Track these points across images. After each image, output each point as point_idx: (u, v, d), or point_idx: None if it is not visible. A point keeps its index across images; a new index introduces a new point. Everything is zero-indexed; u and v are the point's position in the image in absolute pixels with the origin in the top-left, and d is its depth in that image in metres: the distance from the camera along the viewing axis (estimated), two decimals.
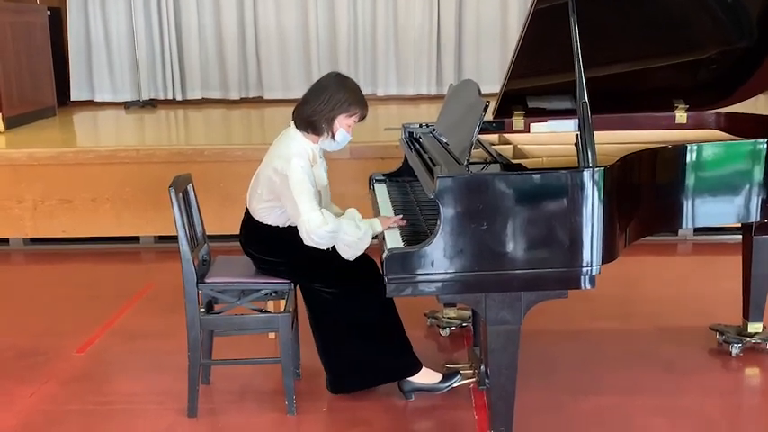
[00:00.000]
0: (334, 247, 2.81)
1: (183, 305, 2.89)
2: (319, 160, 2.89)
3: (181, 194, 2.95)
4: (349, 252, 2.73)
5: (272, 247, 2.89)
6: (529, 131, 3.44)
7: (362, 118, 2.85)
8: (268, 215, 2.86)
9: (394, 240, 2.61)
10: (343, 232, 2.70)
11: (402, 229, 2.75)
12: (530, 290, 2.39)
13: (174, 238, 2.91)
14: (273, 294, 3.00)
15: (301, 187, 2.71)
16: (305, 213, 2.69)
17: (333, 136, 2.82)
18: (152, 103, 7.46)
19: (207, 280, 2.94)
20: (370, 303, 2.87)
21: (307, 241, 2.72)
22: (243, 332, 3.08)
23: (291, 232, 2.85)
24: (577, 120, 2.45)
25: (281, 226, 2.86)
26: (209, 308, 3.03)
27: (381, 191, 3.34)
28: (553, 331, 3.59)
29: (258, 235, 2.90)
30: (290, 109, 2.93)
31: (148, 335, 3.70)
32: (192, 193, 3.10)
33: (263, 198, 2.84)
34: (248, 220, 2.94)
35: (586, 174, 2.36)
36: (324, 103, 2.77)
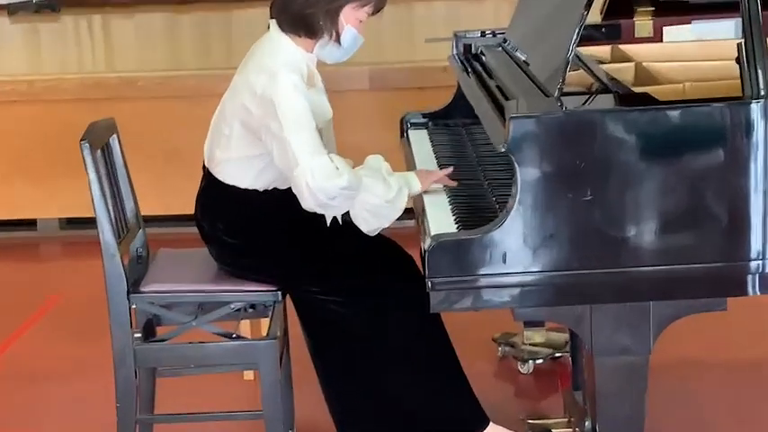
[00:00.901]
0: (346, 225, 2.82)
1: (106, 327, 2.90)
2: (317, 79, 2.90)
3: (100, 152, 2.95)
4: (371, 223, 2.76)
5: (248, 227, 2.90)
6: (661, 40, 3.43)
7: (379, 9, 2.87)
8: (241, 171, 2.87)
9: (441, 220, 2.60)
10: (365, 190, 2.73)
11: (454, 198, 2.75)
12: (664, 298, 2.38)
13: (90, 222, 2.92)
14: (250, 310, 3.01)
15: (298, 118, 2.72)
16: (305, 159, 2.70)
17: (337, 37, 2.84)
18: (51, 6, 7.48)
19: (144, 288, 2.95)
20: (403, 321, 2.88)
21: (308, 204, 2.74)
22: (203, 370, 3.09)
23: (277, 199, 2.85)
24: (740, 19, 2.40)
25: (260, 189, 2.87)
26: (149, 332, 3.05)
27: (420, 140, 3.34)
28: (697, 362, 3.57)
29: (224, 207, 2.92)
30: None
31: (54, 374, 3.72)
32: (119, 149, 3.11)
33: (231, 142, 2.85)
34: (209, 186, 2.95)
35: (756, 108, 2.33)
36: None
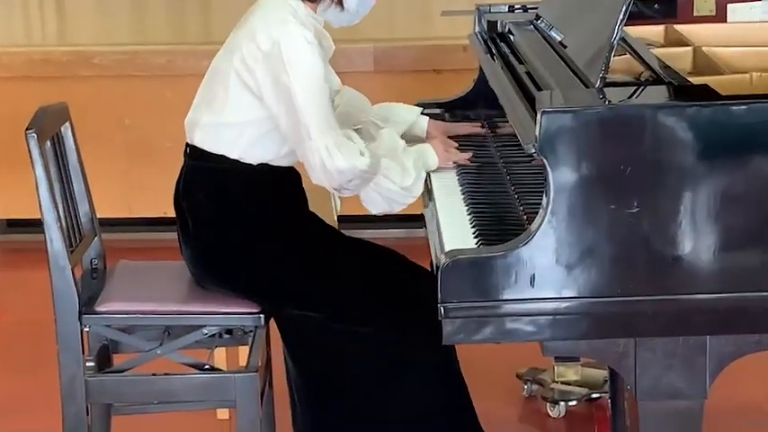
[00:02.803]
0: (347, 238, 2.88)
1: (52, 354, 2.92)
2: (330, 46, 2.97)
3: (49, 144, 2.97)
4: (380, 205, 2.91)
5: (234, 208, 2.92)
6: (725, 20, 3.44)
7: None
8: (231, 137, 2.90)
9: (458, 233, 2.61)
10: (383, 174, 2.85)
11: (474, 207, 2.76)
12: (724, 332, 2.37)
13: (36, 225, 2.93)
14: (226, 336, 3.03)
15: (312, 81, 2.78)
16: (318, 135, 2.76)
17: (339, 0, 2.90)
18: None
19: (99, 307, 2.96)
20: (413, 353, 2.91)
21: (321, 183, 2.82)
22: (168, 407, 3.10)
23: (272, 179, 2.90)
24: None
25: (253, 163, 2.89)
26: (104, 361, 3.06)
27: None
28: (761, 409, 3.60)
29: (209, 181, 2.94)
30: None
31: None
32: (72, 141, 3.12)
33: (227, 105, 2.89)
34: (192, 161, 2.98)
35: None
36: None
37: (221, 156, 2.91)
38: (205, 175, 2.95)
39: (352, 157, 2.77)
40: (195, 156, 2.96)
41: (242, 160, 2.90)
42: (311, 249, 2.93)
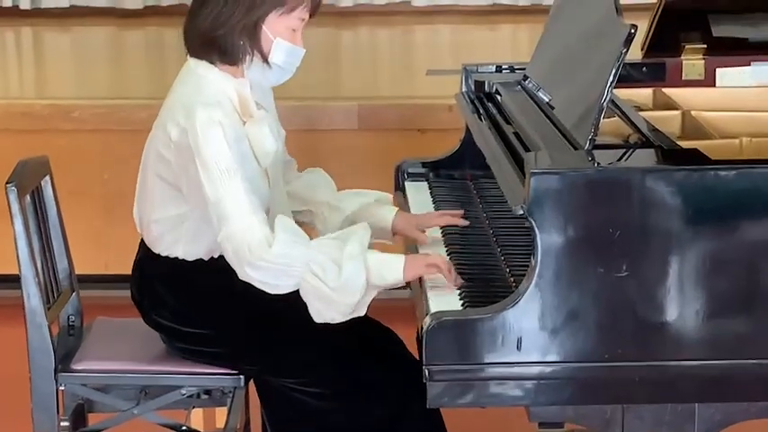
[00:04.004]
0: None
1: (26, 413, 2.92)
2: (255, 108, 2.88)
3: (29, 198, 2.98)
4: (323, 313, 2.72)
5: (201, 311, 2.91)
6: (714, 84, 3.45)
7: (316, 9, 2.85)
8: (172, 236, 2.89)
9: (443, 295, 2.62)
10: (311, 271, 2.68)
11: (460, 269, 2.76)
12: (713, 400, 2.39)
13: (13, 281, 2.94)
14: (204, 396, 3.01)
15: (221, 165, 2.70)
16: (233, 219, 2.69)
17: (264, 57, 2.83)
18: None
19: (75, 365, 2.96)
20: (395, 418, 2.89)
21: (241, 274, 2.73)
22: None
23: (228, 270, 2.83)
24: None
25: (204, 258, 2.89)
26: (79, 420, 3.05)
27: (419, 195, 3.37)
28: None
29: (166, 288, 2.94)
30: None
31: None
32: (52, 195, 3.14)
33: (165, 203, 2.87)
34: (146, 258, 2.97)
35: None
36: (228, 1, 2.77)
37: (167, 257, 2.90)
38: (159, 279, 2.93)
39: (262, 243, 2.67)
40: (147, 252, 2.95)
41: (190, 258, 2.88)
42: (285, 328, 2.87)
